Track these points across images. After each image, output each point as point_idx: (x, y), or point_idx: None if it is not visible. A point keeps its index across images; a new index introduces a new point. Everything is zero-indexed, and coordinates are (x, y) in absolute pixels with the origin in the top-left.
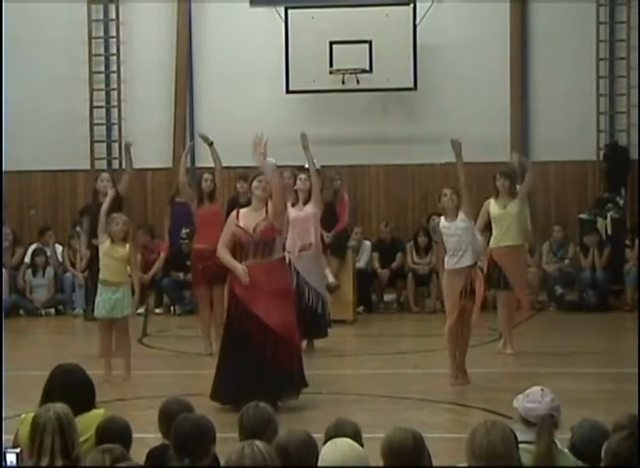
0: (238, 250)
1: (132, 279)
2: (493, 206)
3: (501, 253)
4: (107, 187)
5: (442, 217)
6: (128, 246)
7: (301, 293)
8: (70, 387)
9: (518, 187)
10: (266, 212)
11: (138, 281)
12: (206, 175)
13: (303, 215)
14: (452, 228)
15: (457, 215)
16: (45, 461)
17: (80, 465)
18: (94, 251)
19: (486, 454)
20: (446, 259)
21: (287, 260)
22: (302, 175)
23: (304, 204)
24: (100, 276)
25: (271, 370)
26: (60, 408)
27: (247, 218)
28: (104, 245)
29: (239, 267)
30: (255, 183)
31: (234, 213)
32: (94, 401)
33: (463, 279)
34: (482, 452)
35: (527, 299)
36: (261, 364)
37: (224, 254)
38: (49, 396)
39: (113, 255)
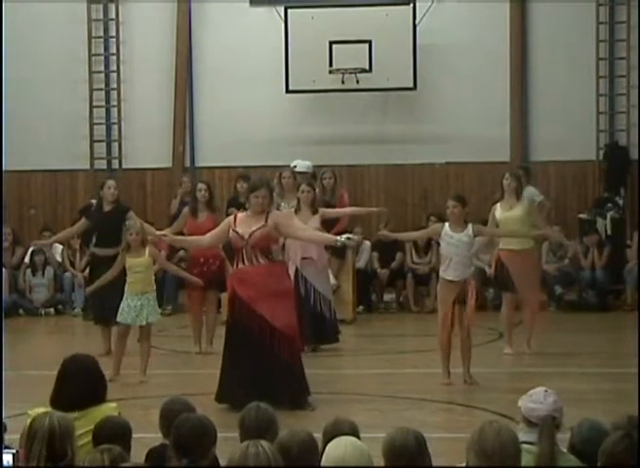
0: (235, 253)
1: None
2: (498, 210)
3: (509, 256)
4: (115, 195)
5: (447, 224)
6: (147, 252)
7: (310, 299)
8: (82, 377)
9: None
10: (266, 220)
11: (177, 270)
12: (200, 185)
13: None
14: (454, 238)
15: (462, 229)
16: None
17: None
18: (94, 257)
19: (498, 455)
20: (441, 268)
21: (294, 267)
22: (305, 187)
23: (313, 213)
24: (127, 286)
25: (279, 371)
26: (57, 417)
27: (244, 224)
28: (126, 260)
29: (184, 240)
30: (252, 199)
31: (232, 217)
32: (105, 393)
33: (457, 288)
34: (494, 452)
35: (535, 302)
36: (269, 365)
37: (192, 237)
38: (61, 385)
39: (136, 269)
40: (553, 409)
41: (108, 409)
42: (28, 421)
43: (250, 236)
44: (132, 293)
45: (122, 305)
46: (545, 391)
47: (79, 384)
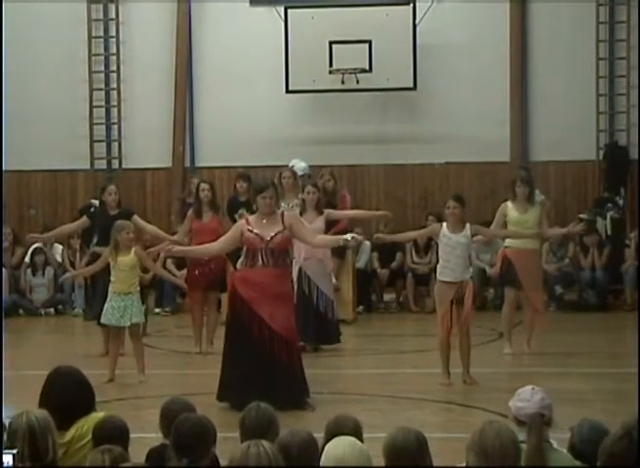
0: (249, 255)
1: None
2: (511, 209)
3: (516, 254)
4: (116, 200)
5: (445, 224)
6: (133, 252)
7: (313, 299)
8: (68, 390)
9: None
10: (283, 222)
11: (165, 274)
12: (203, 185)
13: (313, 228)
14: (452, 240)
15: (460, 230)
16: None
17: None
18: (94, 257)
19: (498, 455)
20: (439, 269)
21: (298, 267)
22: (310, 188)
23: (319, 214)
24: (111, 286)
25: (279, 371)
26: (34, 414)
27: (260, 226)
28: (112, 258)
29: (192, 250)
30: (260, 201)
31: (243, 221)
32: (93, 403)
33: (455, 288)
34: (494, 452)
35: (540, 301)
36: (268, 365)
37: (201, 246)
38: (47, 399)
39: (121, 268)
40: (541, 407)
41: (96, 418)
42: (7, 423)
43: (272, 238)
44: (115, 294)
45: (106, 306)
46: (533, 389)
47: (65, 397)
